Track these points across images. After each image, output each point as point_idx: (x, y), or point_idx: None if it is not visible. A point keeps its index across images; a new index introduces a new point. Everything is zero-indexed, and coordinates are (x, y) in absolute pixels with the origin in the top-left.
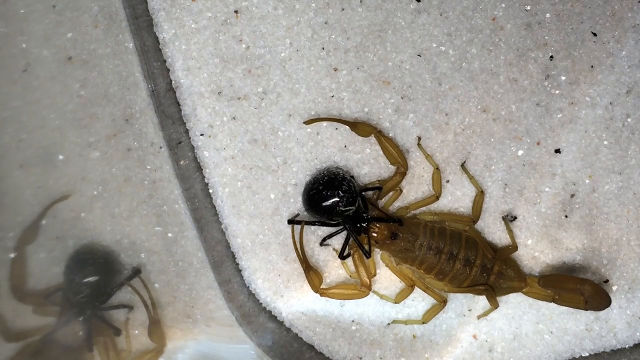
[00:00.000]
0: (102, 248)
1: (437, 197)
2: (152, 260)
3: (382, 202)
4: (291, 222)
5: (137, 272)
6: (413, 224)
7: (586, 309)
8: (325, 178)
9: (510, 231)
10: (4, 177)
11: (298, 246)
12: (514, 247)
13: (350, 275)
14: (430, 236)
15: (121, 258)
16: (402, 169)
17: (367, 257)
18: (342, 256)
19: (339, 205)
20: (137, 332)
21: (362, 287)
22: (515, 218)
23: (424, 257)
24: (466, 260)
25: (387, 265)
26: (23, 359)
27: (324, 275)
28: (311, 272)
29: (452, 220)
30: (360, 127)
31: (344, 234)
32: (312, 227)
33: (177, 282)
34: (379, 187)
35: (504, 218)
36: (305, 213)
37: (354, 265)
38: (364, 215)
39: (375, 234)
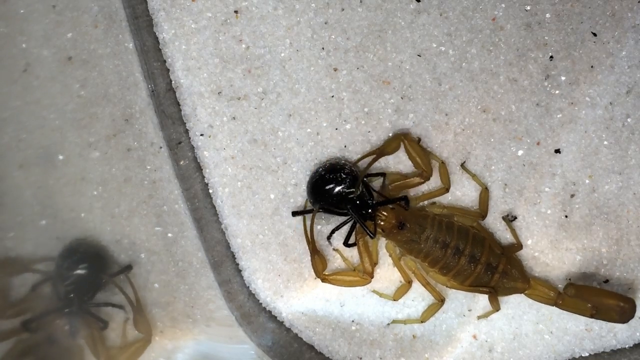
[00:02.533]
0: (95, 242)
1: (447, 189)
2: (152, 260)
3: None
4: (295, 213)
5: (128, 268)
6: (421, 216)
7: (591, 317)
8: (327, 165)
9: (513, 230)
10: (4, 177)
11: (308, 230)
12: (518, 245)
13: (354, 269)
14: (438, 229)
15: (114, 254)
16: (425, 173)
17: (372, 237)
18: (347, 243)
19: (341, 186)
20: (127, 326)
21: (364, 275)
22: (515, 218)
23: (429, 250)
24: (472, 256)
25: (390, 256)
26: (12, 354)
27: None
28: (317, 257)
29: (460, 215)
30: (389, 147)
31: (348, 227)
32: (319, 226)
33: (177, 282)
34: (383, 174)
35: (504, 218)
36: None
37: (358, 252)
38: (369, 201)
39: (382, 222)
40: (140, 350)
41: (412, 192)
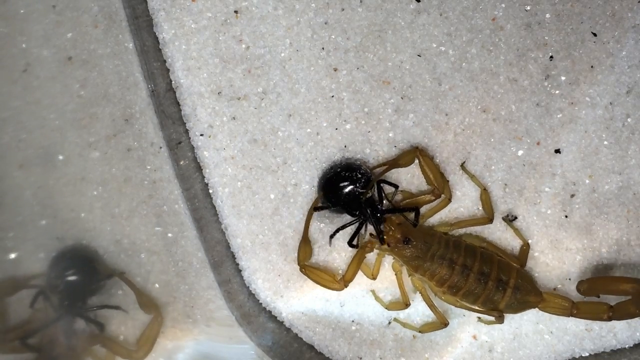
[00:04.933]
0: (82, 246)
1: (449, 200)
2: (152, 260)
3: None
4: (317, 209)
5: (113, 274)
6: (428, 234)
7: (610, 320)
8: (343, 163)
9: (516, 230)
10: (4, 177)
11: (308, 216)
12: (525, 245)
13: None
14: (445, 247)
15: (104, 256)
16: (437, 191)
17: (382, 243)
18: (350, 244)
19: (355, 185)
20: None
21: (340, 280)
22: (515, 218)
23: (436, 268)
24: (481, 273)
25: (395, 275)
26: None
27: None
28: (304, 245)
29: (468, 226)
30: (403, 159)
31: (353, 228)
32: (322, 224)
33: (177, 282)
34: (396, 185)
35: (504, 218)
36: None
37: (352, 259)
38: (379, 206)
39: (386, 237)
40: (156, 330)
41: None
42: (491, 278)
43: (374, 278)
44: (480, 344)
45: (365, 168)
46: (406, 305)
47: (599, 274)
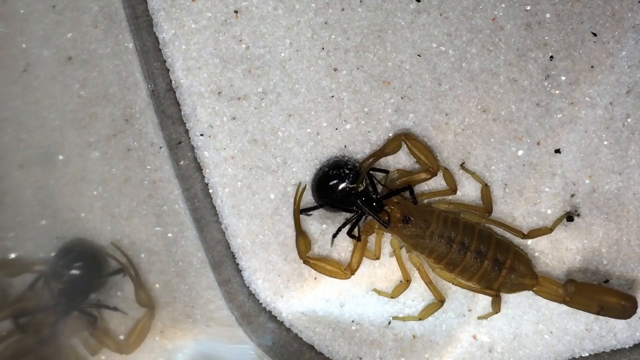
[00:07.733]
0: (91, 242)
1: (454, 191)
2: (152, 260)
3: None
4: (304, 211)
5: (119, 271)
6: (426, 212)
7: (598, 314)
8: (331, 162)
9: (558, 220)
10: (4, 177)
11: (295, 209)
12: (548, 229)
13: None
14: (443, 225)
15: (111, 254)
16: (432, 169)
17: (386, 227)
18: (350, 233)
19: (345, 181)
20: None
21: (346, 269)
22: (574, 216)
23: (434, 246)
24: (478, 252)
25: (393, 252)
26: (4, 355)
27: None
28: (301, 238)
29: (467, 210)
30: (389, 147)
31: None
32: (324, 225)
33: (177, 282)
34: (386, 171)
35: (567, 218)
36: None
37: (354, 247)
38: (373, 196)
39: (387, 217)
40: (147, 326)
41: (420, 190)
42: (487, 257)
43: (377, 258)
44: (480, 344)
45: (353, 163)
46: (407, 282)
47: (599, 274)
